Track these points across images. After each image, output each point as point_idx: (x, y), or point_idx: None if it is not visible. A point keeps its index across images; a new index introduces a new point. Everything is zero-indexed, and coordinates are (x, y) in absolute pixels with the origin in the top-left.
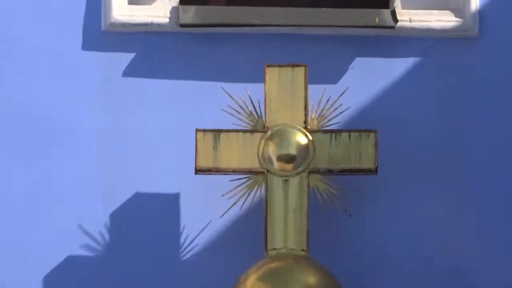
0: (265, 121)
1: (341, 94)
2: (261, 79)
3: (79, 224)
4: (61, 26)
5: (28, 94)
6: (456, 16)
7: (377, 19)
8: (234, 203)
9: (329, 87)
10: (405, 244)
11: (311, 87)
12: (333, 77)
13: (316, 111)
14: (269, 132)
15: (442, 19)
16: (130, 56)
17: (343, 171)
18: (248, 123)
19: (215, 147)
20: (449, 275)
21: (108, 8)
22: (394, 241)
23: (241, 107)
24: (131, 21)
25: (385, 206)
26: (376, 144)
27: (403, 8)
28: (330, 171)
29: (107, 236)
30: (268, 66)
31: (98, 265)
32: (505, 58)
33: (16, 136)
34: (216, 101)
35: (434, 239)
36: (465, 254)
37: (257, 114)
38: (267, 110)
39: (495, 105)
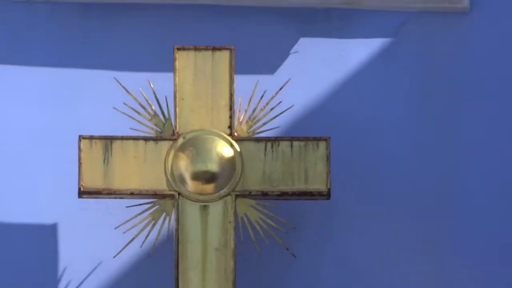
0: (175, 125)
1: (280, 89)
2: (169, 66)
3: None
4: None
5: None
6: None
7: None
8: (133, 239)
9: (264, 78)
10: None
11: (238, 78)
12: (269, 65)
13: (246, 111)
14: (180, 140)
15: None
16: None
17: (283, 195)
18: (151, 128)
19: (105, 160)
20: None
21: None
22: None
23: (142, 106)
24: None
25: (339, 242)
26: (328, 157)
27: None
28: (265, 195)
29: None
30: (178, 49)
31: None
32: (500, 36)
33: None
34: (106, 96)
35: None
36: None
37: (164, 116)
38: (177, 110)
39: (488, 100)
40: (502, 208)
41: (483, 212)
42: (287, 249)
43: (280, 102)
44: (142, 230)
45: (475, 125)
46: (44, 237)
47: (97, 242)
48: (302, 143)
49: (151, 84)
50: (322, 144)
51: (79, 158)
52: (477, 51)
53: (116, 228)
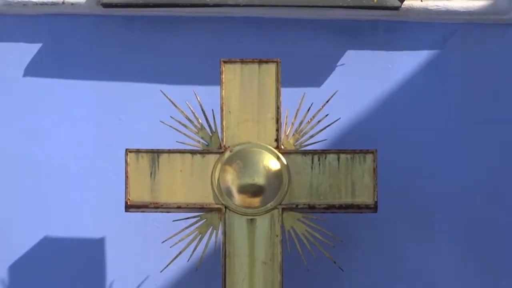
0: (222, 139)
1: (327, 101)
2: (215, 79)
3: None
4: None
5: None
6: None
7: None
8: (180, 253)
9: (310, 90)
10: None
11: (285, 91)
12: (316, 78)
13: (293, 124)
14: (227, 154)
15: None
16: (34, 47)
17: (330, 208)
18: (198, 141)
19: (152, 174)
20: None
21: None
22: None
23: (188, 119)
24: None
25: (387, 256)
26: (375, 170)
27: None
28: (312, 208)
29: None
30: (225, 62)
31: None
32: None
33: None
34: (153, 110)
35: None
36: None
37: (211, 129)
38: (224, 123)
39: None
40: None
41: None
42: (335, 263)
43: (327, 115)
44: (189, 244)
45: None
46: (92, 251)
47: (144, 256)
48: (349, 156)
49: (198, 97)
50: (369, 157)
51: (126, 172)
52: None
53: (163, 242)
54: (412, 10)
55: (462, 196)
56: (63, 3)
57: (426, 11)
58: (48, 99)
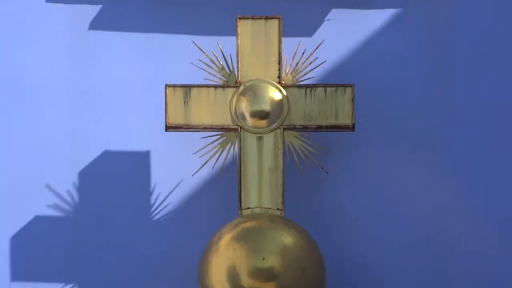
0: (238, 76)
1: (317, 48)
2: (233, 31)
3: (46, 184)
4: None
5: None
6: None
7: None
8: (206, 161)
9: (304, 40)
10: (382, 205)
11: (285, 40)
12: (308, 30)
13: (291, 65)
14: (241, 87)
15: None
16: (96, 8)
17: (319, 128)
18: (220, 78)
19: (185, 103)
20: (426, 240)
21: None
22: (371, 199)
23: (213, 62)
24: None
25: (362, 164)
26: (353, 99)
27: None
28: (305, 128)
29: (75, 195)
30: (240, 18)
31: (65, 224)
32: (492, 15)
33: None
34: (186, 55)
35: (412, 202)
36: (444, 220)
37: (229, 69)
38: (239, 65)
39: (485, 61)
40: (489, 134)
41: (476, 143)
42: (322, 168)
43: (316, 58)
44: (213, 155)
45: (467, 100)
46: (139, 162)
47: (179, 164)
48: (333, 89)
49: (220, 45)
50: (349, 90)
51: (166, 102)
52: (476, 22)
53: (194, 153)
54: None
55: (421, 121)
56: None
57: None
58: (107, 53)
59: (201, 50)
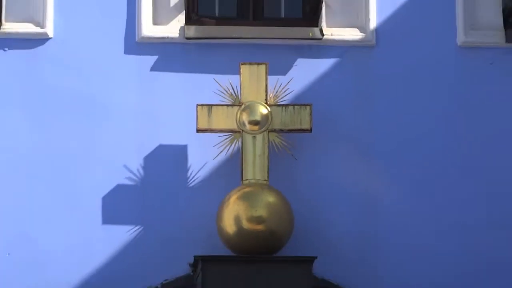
0: (240, 99)
1: (288, 82)
2: (238, 72)
3: (116, 178)
4: (111, 39)
5: (81, 84)
6: (360, 32)
7: (310, 34)
8: (222, 151)
9: (281, 77)
10: (329, 179)
11: (269, 77)
12: (283, 71)
13: (273, 92)
14: (243, 106)
15: (352, 34)
16: (154, 58)
17: (290, 131)
18: (229, 100)
19: (209, 115)
20: (353, 201)
21: (140, 28)
22: (326, 178)
23: (226, 90)
24: (154, 36)
25: (316, 153)
26: (310, 113)
27: (327, 26)
28: (282, 131)
29: (139, 176)
30: (242, 64)
31: (134, 193)
32: (394, 61)
33: (72, 115)
34: (210, 87)
35: (345, 178)
36: (374, 216)
37: (235, 94)
38: (241, 92)
39: (391, 94)
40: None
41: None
42: (292, 155)
43: (288, 88)
44: (226, 147)
45: (381, 119)
46: (182, 150)
47: (206, 152)
48: (298, 107)
49: (230, 81)
50: (308, 107)
51: (196, 115)
52: (382, 70)
53: (214, 146)
54: (327, 40)
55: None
56: (167, 37)
57: (334, 41)
58: (163, 85)
59: (218, 83)
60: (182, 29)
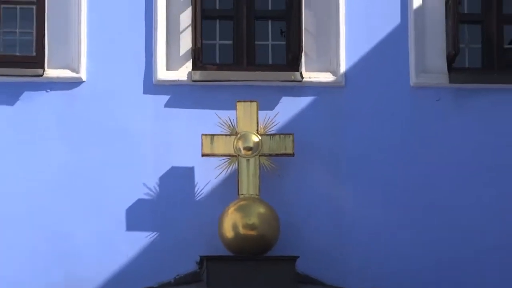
0: (237, 130)
1: (275, 116)
2: (234, 108)
3: (136, 193)
4: (132, 81)
5: (108, 118)
6: (333, 75)
7: (292, 77)
8: (222, 171)
9: (269, 112)
10: (311, 195)
11: (260, 112)
12: (271, 107)
13: (262, 124)
14: (238, 135)
15: (326, 77)
16: (167, 97)
17: (277, 155)
18: (228, 131)
19: (212, 143)
20: (325, 213)
21: (156, 72)
22: (306, 192)
23: (225, 123)
24: (167, 79)
25: (298, 172)
26: (293, 141)
27: (306, 71)
28: (270, 155)
29: (155, 191)
30: (238, 101)
31: (151, 205)
32: (360, 99)
33: (101, 143)
34: (213, 120)
35: (318, 190)
36: (345, 223)
37: (233, 126)
38: (238, 124)
39: (358, 126)
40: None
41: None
42: (279, 175)
43: (275, 120)
44: (225, 168)
45: (351, 147)
46: (190, 171)
47: (208, 173)
48: (283, 135)
49: (229, 116)
50: (291, 136)
51: (201, 143)
52: (350, 107)
53: (215, 168)
54: (306, 82)
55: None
56: (178, 80)
57: (311, 82)
58: (177, 118)
59: (219, 117)
60: (189, 74)
